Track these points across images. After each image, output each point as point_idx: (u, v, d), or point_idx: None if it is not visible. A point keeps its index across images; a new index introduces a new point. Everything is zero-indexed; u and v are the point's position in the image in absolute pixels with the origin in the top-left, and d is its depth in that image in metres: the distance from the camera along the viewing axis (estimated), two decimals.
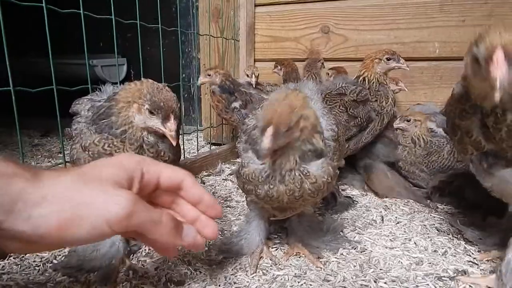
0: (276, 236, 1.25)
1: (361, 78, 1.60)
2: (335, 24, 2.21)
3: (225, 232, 1.29)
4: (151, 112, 0.97)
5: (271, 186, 0.90)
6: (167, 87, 1.01)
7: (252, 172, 0.93)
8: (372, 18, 2.11)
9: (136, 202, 0.60)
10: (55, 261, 1.07)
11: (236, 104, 1.94)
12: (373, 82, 1.58)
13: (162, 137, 1.03)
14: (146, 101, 0.97)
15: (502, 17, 1.85)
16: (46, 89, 1.23)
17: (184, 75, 2.17)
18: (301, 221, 1.16)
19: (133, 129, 1.00)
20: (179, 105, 1.00)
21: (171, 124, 0.97)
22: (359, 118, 1.53)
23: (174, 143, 0.99)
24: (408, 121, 1.64)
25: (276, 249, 1.17)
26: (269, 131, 0.77)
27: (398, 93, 1.89)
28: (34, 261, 1.07)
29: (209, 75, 1.96)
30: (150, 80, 1.02)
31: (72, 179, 0.59)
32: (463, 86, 0.93)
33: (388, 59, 1.57)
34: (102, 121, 1.02)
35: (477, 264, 1.07)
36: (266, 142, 0.78)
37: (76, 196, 0.56)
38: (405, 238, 1.23)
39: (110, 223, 0.56)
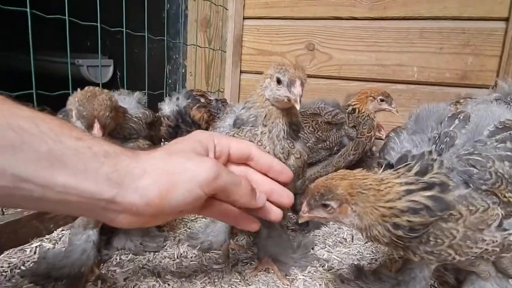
0: (247, 252, 1.27)
1: (351, 107, 1.61)
2: (320, 42, 2.27)
3: (190, 225, 1.43)
4: (78, 119, 0.99)
5: None
6: (101, 96, 1.00)
7: None
8: (356, 39, 2.18)
9: (219, 165, 0.68)
10: (23, 268, 1.07)
11: None
12: (362, 115, 1.60)
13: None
14: (75, 108, 1.00)
15: (477, 47, 1.95)
16: (26, 93, 1.22)
17: (170, 80, 2.18)
18: (271, 236, 1.19)
19: None
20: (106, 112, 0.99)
21: (94, 130, 0.98)
22: (328, 142, 1.51)
23: None
24: None
25: (246, 264, 1.20)
26: None
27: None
28: (1, 267, 1.06)
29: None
30: (91, 88, 1.03)
31: (161, 153, 0.67)
32: None
33: (382, 100, 1.59)
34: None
35: None
36: None
37: (169, 167, 0.64)
38: (371, 258, 1.28)
39: (202, 186, 0.64)
